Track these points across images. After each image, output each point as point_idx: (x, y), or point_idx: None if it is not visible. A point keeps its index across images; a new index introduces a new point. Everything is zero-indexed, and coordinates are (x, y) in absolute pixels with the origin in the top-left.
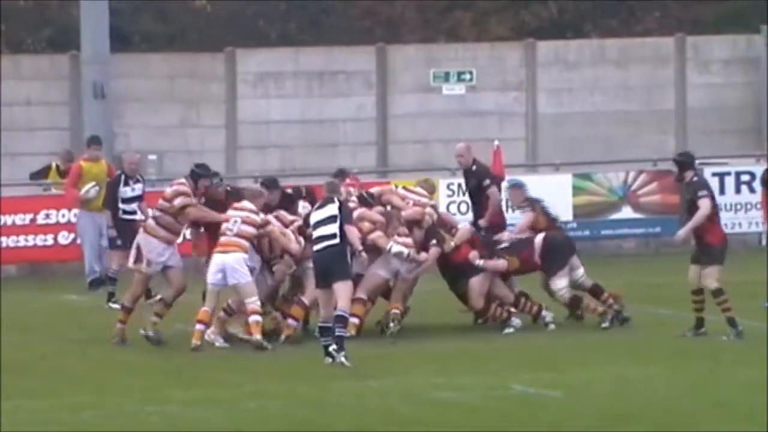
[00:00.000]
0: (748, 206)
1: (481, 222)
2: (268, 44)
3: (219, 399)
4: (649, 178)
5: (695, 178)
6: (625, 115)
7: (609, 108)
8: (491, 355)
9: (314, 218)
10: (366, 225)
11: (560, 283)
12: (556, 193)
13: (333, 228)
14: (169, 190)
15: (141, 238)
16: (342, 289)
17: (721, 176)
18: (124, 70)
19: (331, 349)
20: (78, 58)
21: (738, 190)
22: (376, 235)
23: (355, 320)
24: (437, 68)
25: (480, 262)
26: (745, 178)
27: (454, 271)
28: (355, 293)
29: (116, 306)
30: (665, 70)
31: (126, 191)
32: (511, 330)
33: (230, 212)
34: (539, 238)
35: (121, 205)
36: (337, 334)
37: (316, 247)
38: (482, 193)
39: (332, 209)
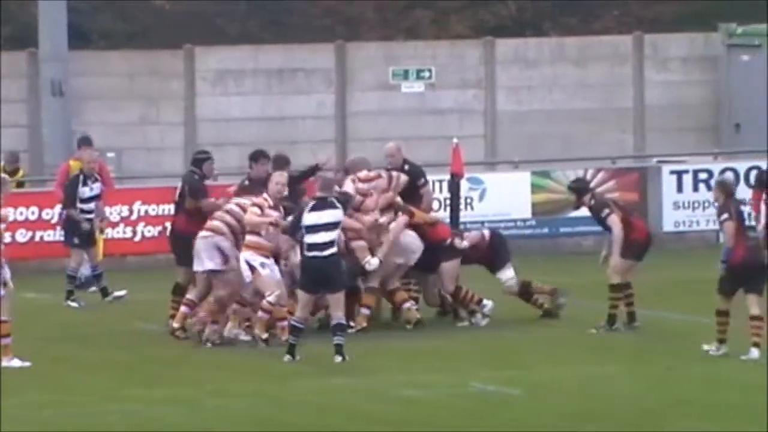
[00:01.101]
0: (706, 204)
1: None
2: (228, 42)
3: (180, 397)
4: (608, 176)
5: (593, 201)
6: (584, 113)
7: (568, 106)
8: (454, 352)
9: (311, 220)
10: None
11: (508, 274)
12: (515, 190)
13: (333, 235)
14: (248, 204)
15: (219, 240)
16: (339, 299)
17: (679, 174)
18: (84, 68)
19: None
20: (36, 56)
21: (696, 188)
22: (358, 246)
23: (366, 311)
24: (396, 66)
25: (465, 244)
26: (702, 176)
27: (427, 253)
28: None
29: (74, 304)
30: (624, 68)
31: (84, 191)
32: (466, 324)
33: None
34: (485, 234)
35: (79, 205)
36: (336, 342)
37: (311, 253)
38: (416, 193)
39: (334, 215)
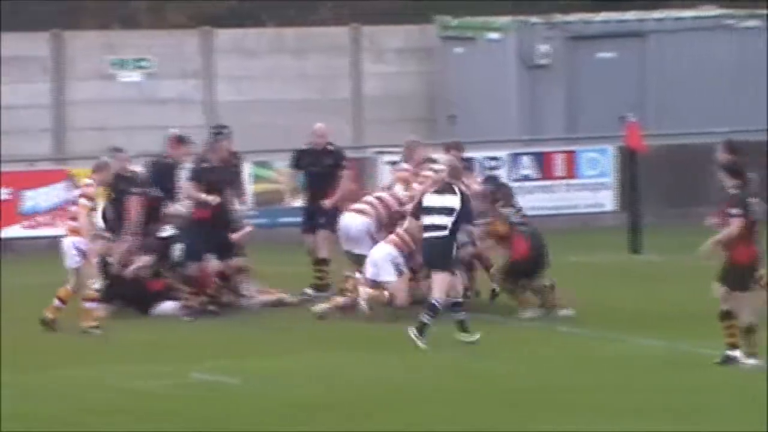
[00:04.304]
0: None
1: (327, 202)
2: None
3: None
4: None
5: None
6: (303, 104)
7: (287, 96)
8: (176, 343)
9: (428, 202)
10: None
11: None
12: None
13: (446, 220)
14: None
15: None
16: (438, 280)
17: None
18: None
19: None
20: None
21: None
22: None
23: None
24: (114, 55)
25: None
26: None
27: None
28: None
29: None
30: (341, 60)
31: None
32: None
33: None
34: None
35: None
36: (422, 320)
37: (425, 235)
38: (336, 174)
39: (453, 201)
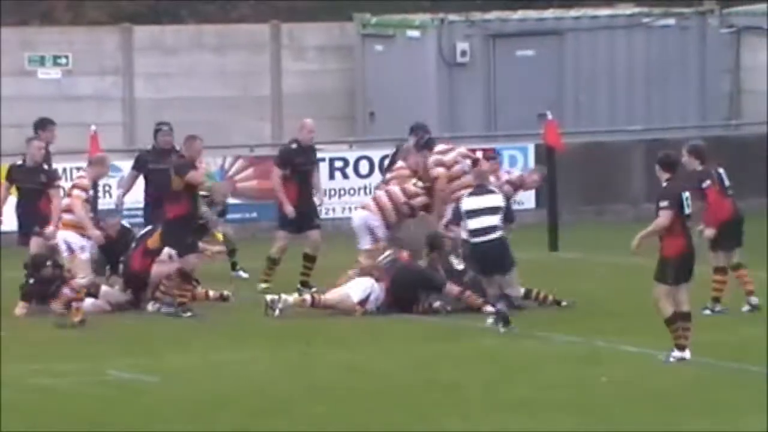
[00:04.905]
0: (342, 192)
1: (317, 200)
2: None
3: None
4: (246, 163)
5: None
6: (222, 101)
7: (207, 94)
8: (89, 340)
9: (470, 206)
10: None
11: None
12: None
13: (494, 219)
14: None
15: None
16: (508, 280)
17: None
18: None
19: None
20: None
21: (332, 176)
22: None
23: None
24: (32, 52)
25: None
26: (338, 164)
27: None
28: None
29: None
30: (261, 57)
31: None
32: None
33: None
34: None
35: None
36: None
37: (476, 239)
38: (314, 169)
39: (495, 200)
